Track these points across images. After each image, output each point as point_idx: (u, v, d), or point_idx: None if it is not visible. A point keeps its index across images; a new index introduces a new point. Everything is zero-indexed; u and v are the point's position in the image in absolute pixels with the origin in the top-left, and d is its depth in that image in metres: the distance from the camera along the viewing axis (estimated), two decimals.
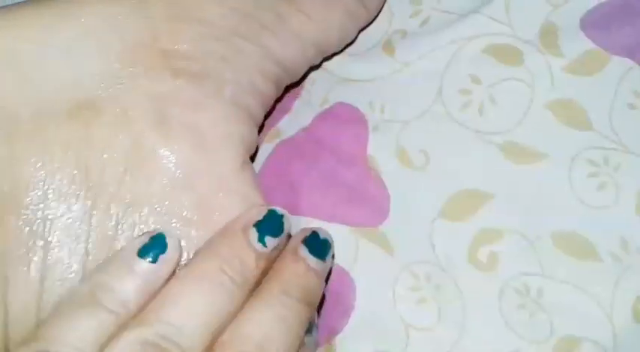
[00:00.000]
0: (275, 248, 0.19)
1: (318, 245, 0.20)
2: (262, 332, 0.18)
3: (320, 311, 0.24)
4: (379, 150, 0.26)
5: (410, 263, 0.24)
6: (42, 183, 0.18)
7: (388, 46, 0.27)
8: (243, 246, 0.18)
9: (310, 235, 0.20)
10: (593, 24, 0.24)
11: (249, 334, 0.18)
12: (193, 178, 0.19)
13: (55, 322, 0.17)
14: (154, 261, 0.17)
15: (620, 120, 0.24)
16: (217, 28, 0.20)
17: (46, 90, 0.18)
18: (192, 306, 0.17)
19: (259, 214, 0.19)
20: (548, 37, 0.25)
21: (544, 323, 0.23)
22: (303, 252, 0.20)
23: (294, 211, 0.25)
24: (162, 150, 0.19)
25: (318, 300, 0.20)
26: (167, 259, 0.18)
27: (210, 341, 0.17)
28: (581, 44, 0.24)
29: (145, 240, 0.18)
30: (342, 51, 0.27)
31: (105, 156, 0.18)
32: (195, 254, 0.19)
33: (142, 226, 0.19)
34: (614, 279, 0.22)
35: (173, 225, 0.19)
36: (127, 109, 0.19)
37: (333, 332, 0.24)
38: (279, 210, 0.20)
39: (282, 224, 0.20)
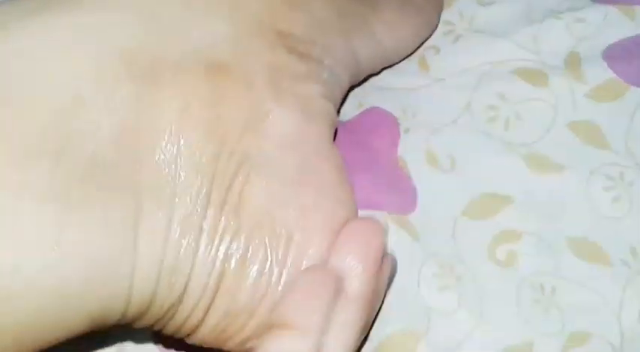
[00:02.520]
0: None
1: None
2: None
3: None
4: (409, 151, 0.28)
5: (434, 252, 0.25)
6: (178, 130, 0.19)
7: (423, 63, 0.29)
8: None
9: None
10: (614, 56, 0.27)
11: None
12: (298, 142, 0.21)
13: None
14: None
15: (636, 143, 0.26)
16: (319, 21, 0.23)
17: (188, 46, 0.20)
18: None
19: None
20: (573, 64, 0.27)
21: (557, 318, 0.24)
22: None
23: None
24: (276, 113, 0.21)
25: None
26: None
27: None
28: (603, 73, 0.27)
29: None
30: None
31: (232, 112, 0.20)
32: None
33: (250, 179, 0.20)
34: (622, 282, 0.24)
35: (276, 181, 0.21)
36: (249, 74, 0.21)
37: None
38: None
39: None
